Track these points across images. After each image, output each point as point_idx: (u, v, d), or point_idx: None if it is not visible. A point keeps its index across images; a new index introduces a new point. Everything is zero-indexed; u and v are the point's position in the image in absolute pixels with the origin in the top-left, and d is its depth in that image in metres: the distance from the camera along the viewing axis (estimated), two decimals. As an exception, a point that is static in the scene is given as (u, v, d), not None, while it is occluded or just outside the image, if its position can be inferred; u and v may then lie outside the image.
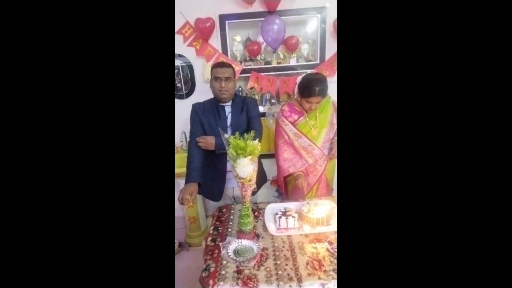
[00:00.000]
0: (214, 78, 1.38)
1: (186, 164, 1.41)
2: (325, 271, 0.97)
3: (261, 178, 1.58)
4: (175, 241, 2.07)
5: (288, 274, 0.97)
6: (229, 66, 1.42)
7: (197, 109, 1.45)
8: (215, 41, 2.00)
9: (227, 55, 2.02)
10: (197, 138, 1.40)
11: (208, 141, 1.37)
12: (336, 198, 1.46)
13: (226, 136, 1.12)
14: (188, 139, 1.49)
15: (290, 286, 0.92)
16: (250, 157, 1.04)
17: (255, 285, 0.93)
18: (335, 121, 1.54)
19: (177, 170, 1.90)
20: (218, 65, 1.41)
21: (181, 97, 2.14)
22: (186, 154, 2.01)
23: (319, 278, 0.95)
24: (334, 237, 1.13)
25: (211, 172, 1.48)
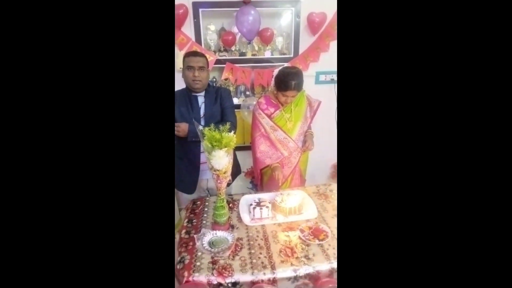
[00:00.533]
0: (187, 67, 1.35)
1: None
2: (297, 257, 1.02)
3: (236, 170, 1.59)
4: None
5: (262, 262, 1.00)
6: (203, 55, 1.39)
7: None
8: (188, 29, 1.94)
9: (200, 44, 1.97)
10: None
11: (182, 128, 1.33)
12: (307, 188, 1.52)
13: (200, 127, 1.11)
14: None
15: (264, 273, 0.96)
16: (226, 149, 1.04)
17: (230, 274, 0.95)
18: (308, 114, 1.59)
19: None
20: (191, 54, 1.38)
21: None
22: None
23: (292, 264, 0.99)
24: (305, 225, 1.18)
25: (184, 164, 1.45)
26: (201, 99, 1.43)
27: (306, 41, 2.05)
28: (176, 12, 1.81)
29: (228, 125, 1.09)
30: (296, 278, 0.97)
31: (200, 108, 1.42)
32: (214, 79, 2.14)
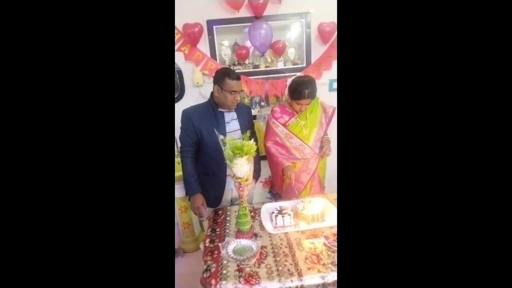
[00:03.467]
0: (230, 92, 1.32)
1: (183, 175, 1.42)
2: (323, 264, 1.00)
3: (257, 174, 1.60)
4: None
5: (289, 270, 0.99)
6: (240, 77, 1.37)
7: (190, 114, 1.39)
8: (203, 46, 2.02)
9: (216, 60, 2.05)
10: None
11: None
12: (327, 195, 1.51)
13: (221, 137, 1.14)
14: (180, 146, 1.47)
15: (292, 280, 0.95)
16: (247, 156, 1.06)
17: (257, 281, 0.94)
18: (324, 120, 1.60)
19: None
20: (234, 78, 1.32)
21: (170, 102, 2.13)
22: (177, 159, 2.00)
23: (319, 271, 0.98)
24: (329, 232, 1.16)
25: (209, 179, 1.47)
26: (228, 116, 1.43)
27: (317, 50, 2.09)
28: (191, 30, 1.91)
29: (248, 133, 1.11)
30: (324, 285, 0.95)
31: (226, 124, 1.43)
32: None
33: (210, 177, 1.46)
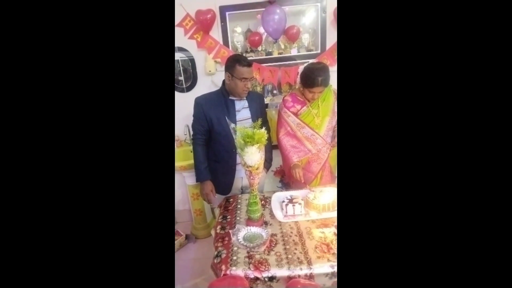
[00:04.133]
0: (241, 79, 1.30)
1: (194, 162, 1.44)
2: (333, 253, 1.00)
3: (268, 164, 1.60)
4: (182, 233, 2.10)
5: (298, 258, 1.00)
6: (251, 64, 1.34)
7: (202, 103, 1.40)
8: (216, 33, 1.99)
9: (228, 47, 2.02)
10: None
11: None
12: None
13: (233, 125, 1.14)
14: (192, 134, 1.49)
15: (301, 268, 0.95)
16: (258, 145, 1.05)
17: (266, 268, 0.96)
18: (336, 109, 1.56)
19: (182, 163, 1.92)
20: (245, 65, 1.29)
21: (182, 90, 2.14)
22: (190, 148, 2.03)
23: (328, 260, 0.97)
24: (341, 222, 1.15)
25: (220, 167, 1.48)
26: (238, 104, 1.42)
27: (333, 36, 2.01)
28: (204, 17, 1.88)
29: (259, 121, 1.10)
30: (333, 274, 0.95)
31: (236, 113, 1.42)
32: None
33: (220, 164, 1.48)
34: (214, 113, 1.39)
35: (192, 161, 1.50)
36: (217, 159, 1.48)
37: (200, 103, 1.41)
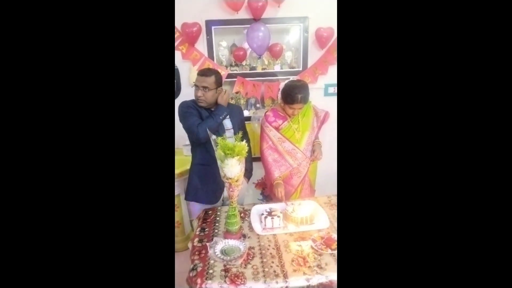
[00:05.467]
0: (195, 85, 1.39)
1: (207, 124, 1.36)
2: (309, 267, 1.01)
3: (249, 174, 1.61)
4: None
5: (275, 271, 1.00)
6: (211, 75, 1.37)
7: (189, 104, 1.42)
8: (201, 46, 2.03)
9: (213, 60, 2.05)
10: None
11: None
12: (317, 198, 1.52)
13: (214, 137, 1.15)
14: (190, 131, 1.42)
15: (277, 282, 0.95)
16: (238, 157, 1.07)
17: (242, 282, 0.95)
18: (315, 124, 1.61)
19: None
20: (199, 73, 1.39)
21: (166, 100, 2.13)
22: (180, 157, 1.99)
23: (304, 273, 0.98)
24: (317, 235, 1.17)
25: (212, 169, 1.39)
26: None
27: (314, 55, 2.11)
28: (189, 29, 1.91)
29: (240, 134, 1.12)
30: (308, 287, 0.96)
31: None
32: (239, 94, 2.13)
33: (212, 167, 1.42)
34: (204, 112, 1.42)
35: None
36: (206, 163, 1.46)
37: (188, 104, 1.43)
